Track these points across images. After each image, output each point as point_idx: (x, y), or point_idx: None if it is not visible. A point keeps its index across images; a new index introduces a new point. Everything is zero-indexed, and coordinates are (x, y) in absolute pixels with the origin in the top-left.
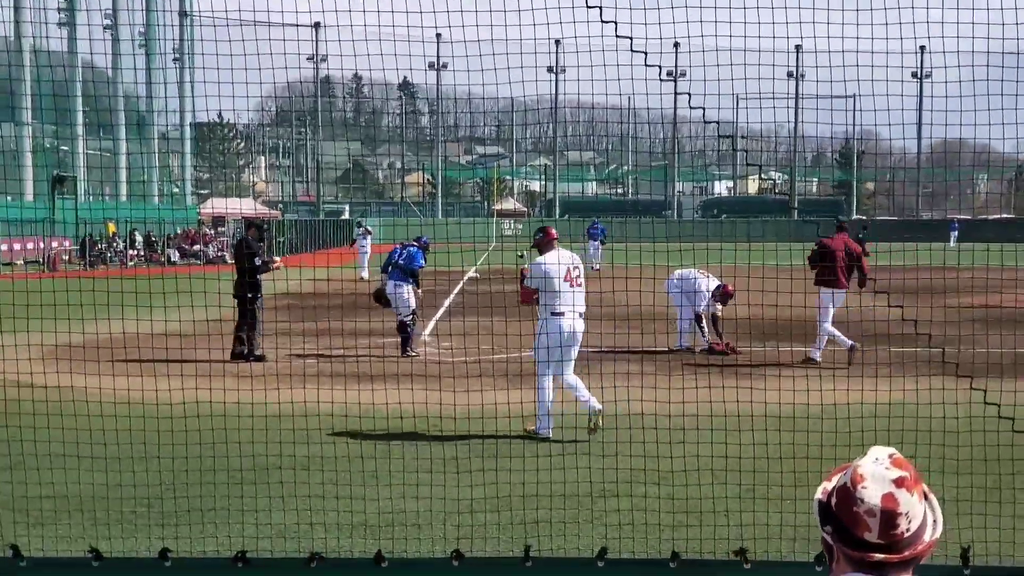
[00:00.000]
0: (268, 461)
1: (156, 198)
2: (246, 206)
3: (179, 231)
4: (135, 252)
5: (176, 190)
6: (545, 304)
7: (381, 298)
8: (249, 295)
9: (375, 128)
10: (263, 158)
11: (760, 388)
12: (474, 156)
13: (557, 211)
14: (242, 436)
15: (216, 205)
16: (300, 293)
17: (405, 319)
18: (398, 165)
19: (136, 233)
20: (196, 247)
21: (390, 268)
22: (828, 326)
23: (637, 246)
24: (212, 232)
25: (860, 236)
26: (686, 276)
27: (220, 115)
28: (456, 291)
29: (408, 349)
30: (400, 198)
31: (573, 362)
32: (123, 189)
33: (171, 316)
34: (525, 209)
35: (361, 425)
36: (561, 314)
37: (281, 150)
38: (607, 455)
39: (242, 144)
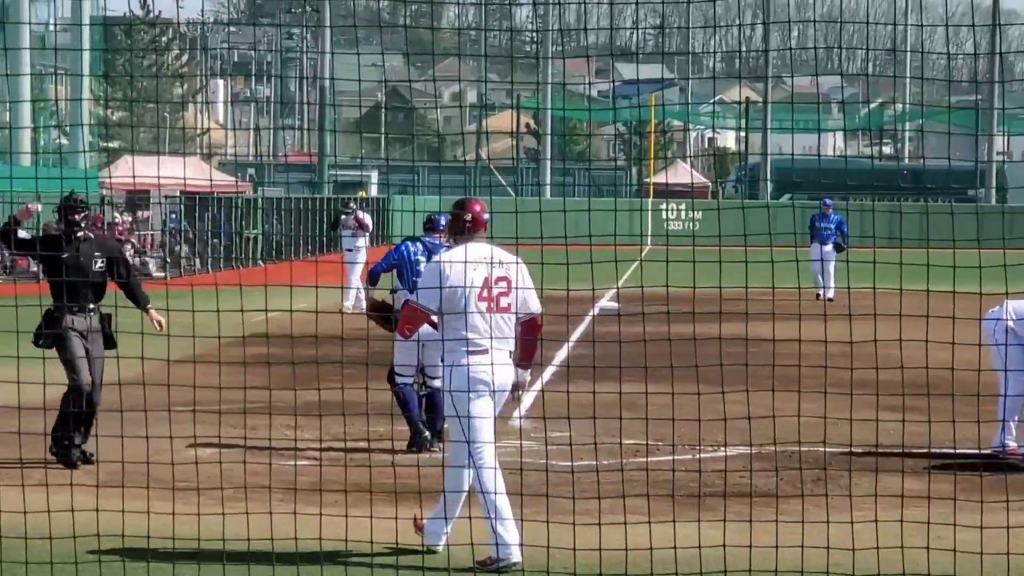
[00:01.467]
0: None
1: (26, 156)
2: (191, 172)
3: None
4: None
5: (63, 140)
6: (450, 338)
7: (385, 313)
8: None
9: (429, 31)
10: (221, 84)
11: None
12: (614, 83)
13: (768, 187)
14: None
15: (137, 170)
16: (270, 335)
17: (432, 383)
18: (470, 98)
19: None
20: None
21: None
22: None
23: (918, 252)
24: (126, 219)
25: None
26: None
27: (145, 4)
28: (578, 335)
29: (421, 439)
30: (475, 160)
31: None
32: None
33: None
34: (708, 183)
35: None
36: (483, 351)
37: (256, 68)
38: None
39: (184, 58)
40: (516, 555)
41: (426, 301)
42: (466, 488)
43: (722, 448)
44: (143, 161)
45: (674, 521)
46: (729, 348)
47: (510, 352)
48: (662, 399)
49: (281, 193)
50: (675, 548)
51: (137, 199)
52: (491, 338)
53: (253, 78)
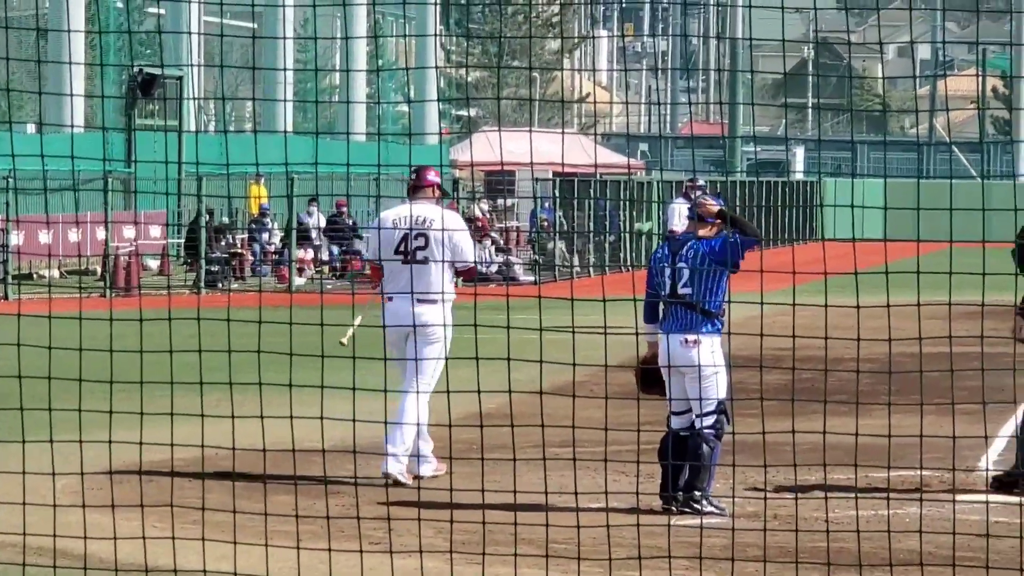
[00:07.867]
0: None
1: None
2: (566, 148)
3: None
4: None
5: (404, 108)
6: (384, 284)
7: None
8: None
9: None
10: (604, 36)
11: None
12: None
13: None
14: None
15: (510, 145)
16: None
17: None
18: (922, 54)
19: (313, 208)
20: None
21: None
22: None
23: None
24: (484, 209)
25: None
26: None
27: None
28: None
29: None
30: (928, 133)
31: (426, 378)
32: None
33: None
34: None
35: None
36: (390, 298)
37: (650, 14)
38: None
39: (557, 2)
40: (390, 466)
41: (368, 253)
42: (406, 416)
43: None
44: (507, 135)
45: None
46: None
47: (421, 298)
48: None
49: (679, 175)
50: None
51: (498, 183)
52: (406, 286)
53: (645, 26)
